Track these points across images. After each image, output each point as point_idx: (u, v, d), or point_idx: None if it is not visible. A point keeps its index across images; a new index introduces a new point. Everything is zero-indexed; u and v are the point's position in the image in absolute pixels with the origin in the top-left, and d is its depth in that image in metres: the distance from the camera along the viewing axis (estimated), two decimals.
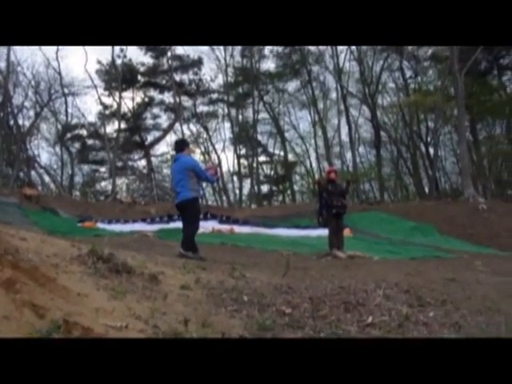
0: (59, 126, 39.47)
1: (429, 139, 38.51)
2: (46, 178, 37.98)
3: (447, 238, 17.82)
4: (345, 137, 39.57)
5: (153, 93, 41.92)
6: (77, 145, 41.71)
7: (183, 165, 8.44)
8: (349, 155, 39.62)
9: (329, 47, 38.46)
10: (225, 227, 16.69)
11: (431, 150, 37.37)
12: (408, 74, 40.03)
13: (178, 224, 14.42)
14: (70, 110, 39.58)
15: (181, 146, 8.93)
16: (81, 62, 67.93)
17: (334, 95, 40.06)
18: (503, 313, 4.73)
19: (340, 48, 38.91)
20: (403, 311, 4.36)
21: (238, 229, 16.78)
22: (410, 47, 36.89)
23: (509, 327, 4.19)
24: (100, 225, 16.98)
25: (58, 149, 40.84)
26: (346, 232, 16.00)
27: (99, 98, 38.20)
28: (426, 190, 37.11)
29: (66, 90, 37.45)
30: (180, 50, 40.37)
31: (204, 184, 14.86)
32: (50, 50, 60.52)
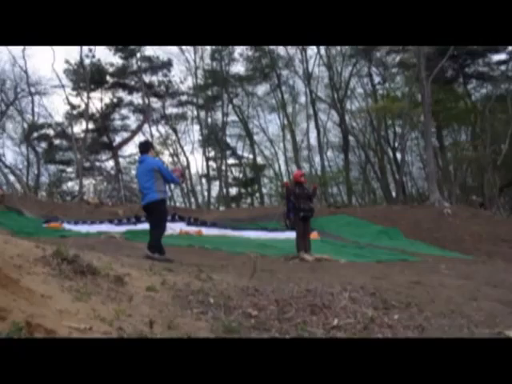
0: (25, 125, 38.85)
1: (396, 144, 39.00)
2: (11, 178, 37.31)
3: (413, 241, 18.01)
4: (313, 141, 39.82)
5: (121, 94, 41.56)
6: (43, 144, 41.08)
7: (149, 166, 8.39)
8: (317, 159, 39.89)
9: (298, 51, 38.73)
10: (193, 229, 16.62)
11: (398, 155, 37.83)
12: (376, 80, 40.55)
13: (146, 225, 14.31)
14: (36, 109, 38.97)
15: (145, 147, 8.87)
16: (48, 61, 66.93)
17: (303, 99, 40.31)
18: (465, 315, 4.82)
19: (310, 53, 39.23)
20: (368, 314, 4.40)
21: (206, 231, 16.73)
22: (378, 54, 37.35)
23: (471, 329, 4.26)
24: (66, 225, 16.75)
25: (23, 148, 40.20)
26: (314, 235, 16.07)
27: (67, 97, 37.72)
28: (393, 194, 37.53)
29: (32, 89, 36.88)
30: (150, 51, 40.17)
31: (172, 186, 14.79)
32: (16, 48, 59.60)
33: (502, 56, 33.79)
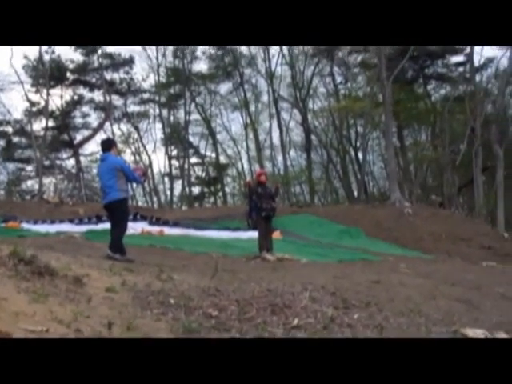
0: None
1: (358, 144, 39.43)
2: None
3: (374, 240, 18.23)
4: (276, 140, 39.97)
5: (82, 91, 40.97)
6: (1, 142, 40.26)
7: (111, 164, 8.30)
8: (280, 158, 40.06)
9: (261, 50, 38.79)
10: (154, 229, 16.49)
11: (360, 155, 38.24)
12: (338, 79, 40.86)
13: (107, 225, 14.14)
14: None
15: (107, 145, 8.76)
16: (6, 56, 65.53)
17: (265, 98, 40.41)
18: (424, 314, 4.89)
19: (272, 51, 39.30)
20: (328, 313, 4.43)
21: (168, 230, 16.62)
22: (340, 54, 37.65)
23: (428, 328, 4.33)
24: (25, 225, 16.45)
25: None
26: (276, 234, 16.13)
27: (26, 94, 36.97)
28: (355, 193, 37.91)
29: None
30: (111, 48, 39.75)
31: (135, 185, 14.66)
32: None
33: (460, 58, 34.57)
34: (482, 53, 33.94)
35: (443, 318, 4.91)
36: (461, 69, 34.80)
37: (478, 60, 32.43)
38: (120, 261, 7.35)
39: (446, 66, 35.84)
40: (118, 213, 8.33)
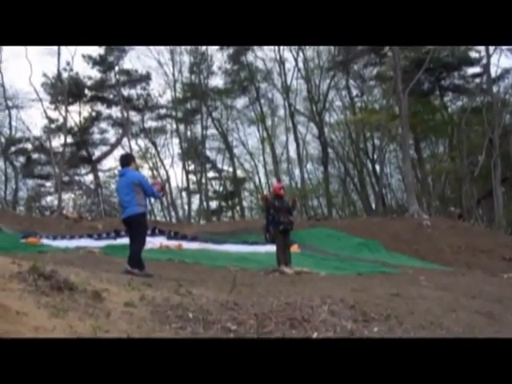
0: (2, 140, 38.45)
1: (375, 156, 39.27)
2: None
3: (393, 253, 18.10)
4: (293, 153, 39.99)
5: (100, 107, 41.38)
6: (21, 159, 40.71)
7: (130, 179, 8.33)
8: (297, 171, 40.06)
9: (276, 65, 38.97)
10: (173, 243, 16.52)
11: (377, 167, 38.11)
12: (354, 92, 40.83)
13: (125, 240, 14.17)
14: (14, 123, 38.70)
15: (126, 160, 8.82)
16: (25, 75, 66.40)
17: (281, 112, 40.49)
18: (444, 327, 4.84)
19: (288, 66, 39.47)
20: (348, 327, 4.40)
21: (186, 245, 16.64)
22: (355, 67, 37.68)
23: None
24: (45, 241, 16.54)
25: (1, 162, 39.77)
26: (294, 248, 16.06)
27: (45, 111, 37.36)
28: (373, 206, 37.74)
29: (9, 103, 36.68)
30: (128, 64, 40.11)
31: (153, 200, 14.71)
32: None
33: (477, 69, 34.43)
34: (499, 64, 33.74)
35: (464, 330, 4.86)
36: (477, 80, 34.65)
37: (494, 71, 32.23)
38: (138, 275, 7.36)
39: (463, 78, 35.70)
40: (137, 227, 8.35)
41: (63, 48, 33.29)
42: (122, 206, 8.65)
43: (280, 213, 11.19)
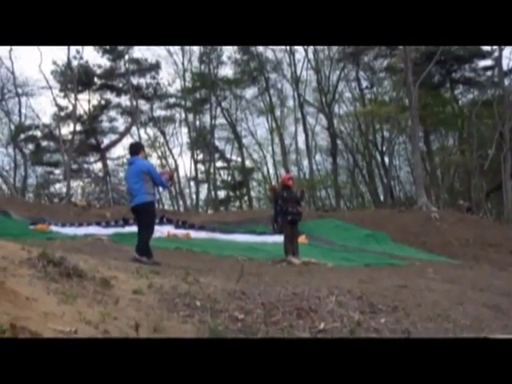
0: (12, 127, 38.60)
1: (384, 148, 39.16)
2: None
3: (401, 245, 18.07)
4: (302, 144, 39.90)
5: (109, 95, 41.44)
6: (31, 146, 40.86)
7: (139, 168, 8.35)
8: (305, 162, 40.01)
9: (286, 55, 38.86)
10: (181, 232, 16.56)
11: (386, 159, 38.05)
12: (364, 84, 40.72)
13: (134, 228, 14.21)
14: (23, 111, 38.79)
15: (136, 149, 8.84)
16: (35, 62, 66.46)
17: (291, 103, 40.41)
18: (451, 320, 4.84)
19: (298, 56, 39.38)
20: (355, 318, 4.41)
21: (194, 234, 16.68)
22: (366, 58, 37.52)
23: (456, 334, 4.28)
24: (53, 228, 16.63)
25: (10, 150, 39.94)
26: (302, 239, 16.04)
27: (54, 99, 37.48)
28: (381, 198, 37.68)
29: (19, 90, 36.74)
30: (137, 53, 40.12)
31: (161, 189, 14.72)
32: (2, 49, 59.21)
33: (488, 62, 34.19)
34: (511, 56, 33.61)
35: (471, 323, 4.86)
36: (489, 73, 34.45)
37: (506, 64, 32.02)
38: (146, 263, 7.39)
39: (474, 71, 35.46)
40: (145, 216, 8.37)
41: None
42: (130, 194, 8.68)
43: (288, 203, 11.17)
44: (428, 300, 5.84)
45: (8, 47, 33.25)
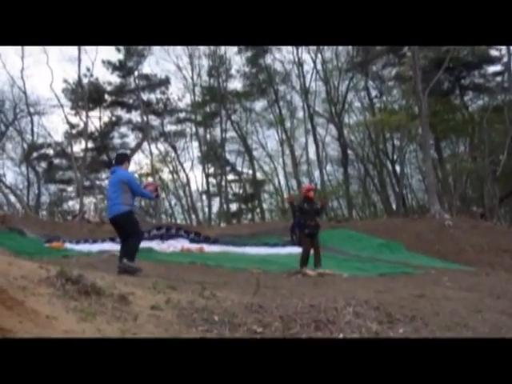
0: (25, 146, 38.93)
1: (395, 157, 39.09)
2: (12, 198, 37.38)
3: (415, 254, 17.99)
4: (312, 155, 39.92)
5: (120, 112, 41.80)
6: (43, 164, 41.22)
7: (118, 178, 8.29)
8: (317, 173, 40.00)
9: (295, 67, 39.00)
10: (194, 246, 16.59)
11: (398, 168, 37.94)
12: (373, 93, 40.71)
13: (148, 243, 14.30)
14: (35, 129, 39.14)
15: (119, 159, 8.83)
16: (46, 81, 67.19)
17: (300, 114, 40.45)
18: (471, 328, 4.81)
19: (306, 68, 39.48)
20: (373, 328, 4.40)
21: (208, 248, 16.70)
22: (374, 67, 37.55)
23: None
24: (68, 245, 16.72)
25: (23, 168, 40.26)
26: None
27: (66, 117, 37.81)
28: (394, 206, 37.55)
29: (31, 109, 37.08)
30: (147, 69, 40.44)
31: (173, 203, 14.72)
32: (14, 69, 59.95)
33: (497, 67, 34.11)
34: None
35: (490, 331, 4.83)
36: (498, 78, 34.37)
37: None
38: (129, 271, 7.41)
39: (483, 76, 35.39)
40: (128, 226, 8.26)
41: (83, 54, 33.71)
42: (108, 203, 8.64)
43: (307, 216, 11.03)
44: (446, 309, 5.81)
45: (19, 67, 33.59)
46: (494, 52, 34.04)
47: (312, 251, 11.22)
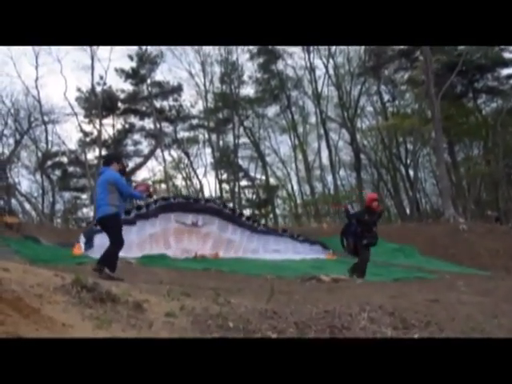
0: (39, 154, 39.29)
1: (408, 161, 38.96)
2: (27, 206, 37.61)
3: (429, 258, 17.92)
4: (325, 160, 39.95)
5: (133, 119, 42.07)
6: (57, 172, 41.54)
7: (105, 178, 8.18)
8: (330, 178, 40.02)
9: (307, 72, 39.04)
10: (209, 252, 16.60)
11: (411, 172, 37.81)
12: (386, 97, 40.65)
13: (162, 250, 14.31)
14: (50, 138, 39.46)
15: (108, 160, 8.75)
16: (60, 90, 67.78)
17: (313, 119, 40.53)
18: (487, 333, 4.78)
19: (318, 73, 39.55)
20: (388, 334, 4.38)
21: (224, 253, 16.74)
22: (386, 72, 37.47)
23: None
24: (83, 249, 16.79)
25: (38, 176, 40.65)
26: (329, 255, 16.02)
27: (79, 125, 38.20)
28: (408, 211, 37.39)
29: (45, 118, 37.38)
30: (159, 76, 40.65)
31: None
32: (29, 79, 60.51)
33: (511, 70, 33.90)
34: None
35: (506, 336, 4.79)
36: None
37: None
38: (105, 277, 7.07)
39: (497, 79, 35.18)
40: (112, 229, 8.11)
41: (96, 62, 33.94)
42: (95, 204, 8.56)
43: (366, 226, 10.65)
44: (461, 314, 5.78)
45: (34, 76, 33.83)
46: (507, 55, 33.91)
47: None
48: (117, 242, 8.10)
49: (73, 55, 75.35)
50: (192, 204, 17.57)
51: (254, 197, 45.32)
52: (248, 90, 42.11)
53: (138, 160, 41.88)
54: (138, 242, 15.50)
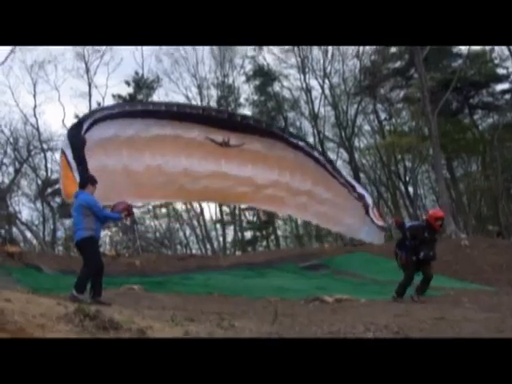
0: (39, 182, 39.30)
1: (407, 178, 38.97)
2: (28, 234, 37.59)
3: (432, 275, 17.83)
4: None
5: None
6: (58, 199, 41.43)
7: (79, 202, 8.22)
8: None
9: (303, 93, 39.25)
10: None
11: (411, 189, 37.80)
12: (382, 116, 40.78)
13: (165, 276, 14.26)
14: (49, 165, 39.46)
15: (83, 183, 8.77)
16: (58, 117, 68.24)
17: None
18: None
19: (314, 94, 39.71)
20: None
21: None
22: (382, 90, 37.67)
23: None
24: None
25: (38, 204, 40.57)
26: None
27: None
28: None
29: (44, 146, 37.49)
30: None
31: (188, 233, 14.71)
32: (27, 107, 60.71)
33: (506, 85, 34.15)
34: None
35: None
36: (507, 96, 34.35)
37: None
38: (83, 301, 6.99)
39: (492, 95, 35.40)
40: (85, 252, 8.14)
41: (94, 89, 34.07)
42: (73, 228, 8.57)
43: (423, 244, 10.23)
44: (467, 330, 5.74)
45: (32, 104, 33.96)
46: (501, 70, 34.18)
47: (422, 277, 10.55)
48: (91, 265, 8.11)
49: (70, 82, 76.09)
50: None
51: (255, 218, 45.22)
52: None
53: None
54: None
